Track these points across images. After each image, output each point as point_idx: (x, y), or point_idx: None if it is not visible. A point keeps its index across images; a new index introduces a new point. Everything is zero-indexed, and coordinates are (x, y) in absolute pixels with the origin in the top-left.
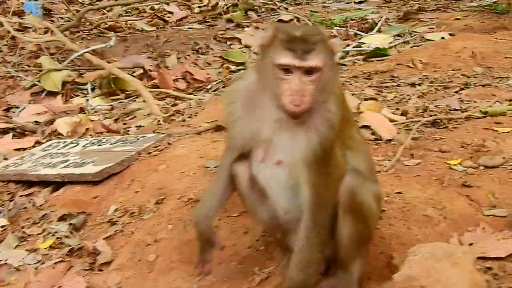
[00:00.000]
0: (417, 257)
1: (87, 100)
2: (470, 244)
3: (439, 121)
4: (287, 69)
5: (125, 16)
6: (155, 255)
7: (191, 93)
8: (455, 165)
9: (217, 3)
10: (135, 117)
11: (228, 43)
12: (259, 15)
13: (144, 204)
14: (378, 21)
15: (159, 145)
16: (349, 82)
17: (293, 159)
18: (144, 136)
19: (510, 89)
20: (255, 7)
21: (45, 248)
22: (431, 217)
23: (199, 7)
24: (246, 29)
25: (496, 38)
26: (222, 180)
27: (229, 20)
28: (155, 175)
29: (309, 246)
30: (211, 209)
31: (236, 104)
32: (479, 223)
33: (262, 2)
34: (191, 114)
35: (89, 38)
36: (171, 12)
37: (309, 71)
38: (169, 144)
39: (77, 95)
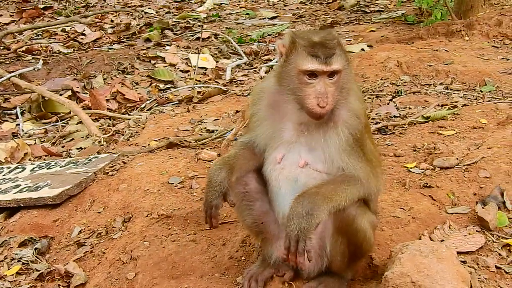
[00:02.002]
0: (405, 254)
1: (18, 124)
2: (441, 241)
3: (385, 127)
4: (312, 74)
5: (36, 38)
6: (134, 273)
7: (124, 113)
8: (412, 168)
9: (130, 23)
10: (73, 139)
11: (152, 62)
12: (175, 34)
13: (111, 224)
14: None
15: (114, 165)
16: None
17: (329, 155)
18: (96, 157)
19: (439, 95)
20: (171, 26)
21: (12, 275)
22: (400, 218)
23: (111, 27)
24: (167, 48)
25: (417, 48)
26: (238, 147)
27: (147, 40)
28: (116, 194)
29: (335, 184)
30: (229, 163)
31: (260, 105)
32: (445, 221)
33: (176, 21)
34: (132, 134)
35: (7, 62)
36: (83, 34)
37: (331, 74)
38: (124, 163)
39: (6, 120)
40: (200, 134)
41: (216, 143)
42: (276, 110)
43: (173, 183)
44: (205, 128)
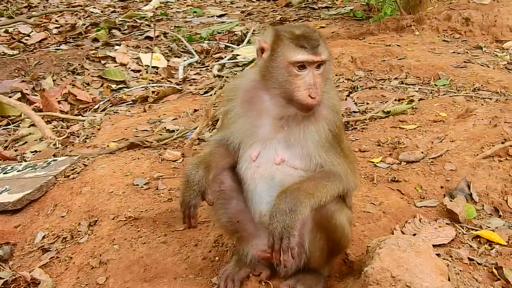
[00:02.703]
0: (384, 249)
1: None
2: (414, 235)
3: (346, 123)
4: (301, 66)
5: None
6: (105, 277)
7: (77, 115)
8: (378, 162)
9: (75, 23)
10: (26, 142)
11: (102, 62)
12: (123, 33)
13: (75, 228)
14: (246, 33)
15: (75, 168)
16: None
17: (307, 151)
18: (55, 160)
19: (395, 90)
20: (118, 26)
21: None
22: (371, 213)
23: (56, 28)
24: (117, 47)
25: (370, 43)
26: (212, 145)
27: (95, 39)
28: (80, 198)
29: (316, 180)
30: (206, 161)
31: (235, 102)
32: (415, 215)
33: (122, 20)
34: (87, 135)
35: None
36: (28, 35)
37: (318, 65)
38: (85, 165)
39: None
40: (160, 134)
41: (178, 143)
42: (252, 107)
43: (138, 185)
44: (165, 128)
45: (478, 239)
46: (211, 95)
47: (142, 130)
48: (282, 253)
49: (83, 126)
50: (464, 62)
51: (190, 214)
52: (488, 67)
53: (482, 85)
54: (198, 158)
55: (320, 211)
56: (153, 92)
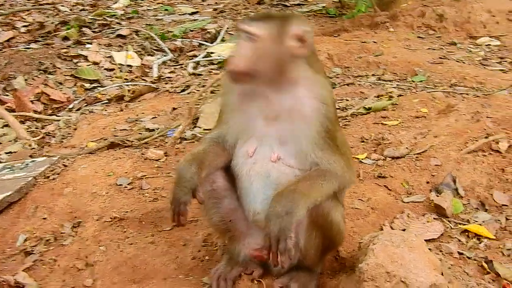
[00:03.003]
0: (377, 245)
1: None
2: (403, 230)
3: None
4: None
5: None
6: (92, 279)
7: (52, 114)
8: (363, 159)
9: (44, 22)
10: (0, 143)
11: (75, 61)
12: (94, 31)
13: (58, 230)
14: (219, 31)
15: (55, 168)
16: (215, 91)
17: (301, 149)
18: (33, 161)
19: (374, 86)
20: (88, 24)
21: None
22: (360, 209)
23: (24, 26)
24: (88, 46)
25: (346, 40)
26: (207, 143)
27: (66, 38)
28: (61, 199)
29: (311, 180)
30: (199, 159)
31: (232, 94)
32: (403, 210)
33: (92, 18)
34: (64, 135)
35: None
36: None
37: (252, 38)
38: (65, 166)
39: None
40: (140, 133)
41: (160, 142)
42: (248, 100)
43: (121, 185)
44: (144, 127)
45: (467, 234)
46: (188, 93)
47: (121, 130)
48: (279, 255)
49: (59, 126)
50: (440, 58)
51: (180, 211)
52: (464, 63)
53: (459, 81)
54: (191, 154)
55: (316, 209)
56: (128, 91)
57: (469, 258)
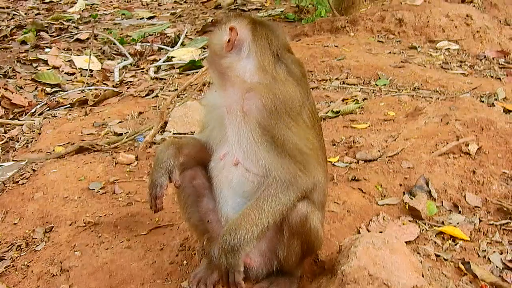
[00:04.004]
0: (359, 247)
1: None
2: (380, 233)
3: None
4: None
5: None
6: (68, 285)
7: (13, 119)
8: (336, 162)
9: None
10: None
11: (34, 65)
12: (51, 35)
13: (30, 235)
14: (179, 35)
15: (24, 173)
16: (180, 96)
17: (250, 152)
18: (1, 166)
19: (338, 90)
20: (45, 28)
21: None
22: (336, 212)
23: None
24: (47, 50)
25: (308, 44)
26: (189, 137)
27: (23, 42)
28: (32, 204)
29: (259, 208)
30: (178, 143)
31: (212, 101)
32: (378, 213)
33: (49, 22)
34: (28, 140)
35: None
36: None
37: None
38: (34, 170)
39: None
40: (108, 138)
41: (129, 146)
42: (220, 103)
43: (94, 189)
44: (112, 131)
45: (442, 235)
46: (153, 97)
47: (87, 134)
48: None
49: (22, 131)
50: (401, 62)
51: (156, 194)
52: (425, 66)
53: (421, 84)
54: (170, 140)
55: (294, 218)
56: (92, 95)
57: (445, 259)
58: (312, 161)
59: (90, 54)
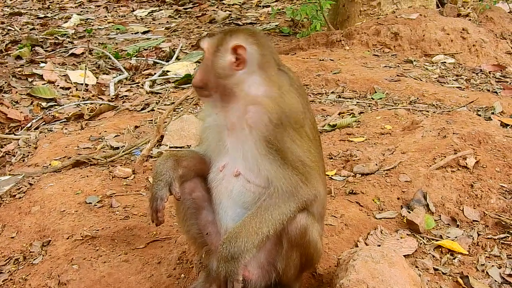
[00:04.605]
0: (358, 261)
1: None
2: (378, 246)
3: None
4: None
5: None
6: None
7: (9, 133)
8: (333, 175)
9: None
10: None
11: (29, 80)
12: (46, 50)
13: (27, 249)
14: (174, 50)
15: (21, 187)
16: (177, 109)
17: (252, 163)
18: None
19: (334, 104)
20: (40, 43)
21: None
22: (333, 226)
23: None
24: (42, 65)
25: (303, 58)
26: (187, 150)
27: (18, 57)
28: (29, 217)
29: (259, 216)
30: (177, 155)
31: (207, 113)
32: (376, 226)
33: (44, 37)
34: (24, 154)
35: None
36: None
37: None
38: (31, 184)
39: None
40: (104, 152)
41: (126, 160)
42: (219, 116)
43: (91, 203)
44: (108, 145)
45: (440, 249)
46: (148, 111)
47: (84, 148)
48: None
49: (18, 145)
50: (397, 75)
51: (157, 207)
52: (421, 80)
53: (418, 98)
54: (169, 152)
55: (294, 230)
56: (88, 109)
57: (444, 273)
58: (313, 173)
59: (86, 69)
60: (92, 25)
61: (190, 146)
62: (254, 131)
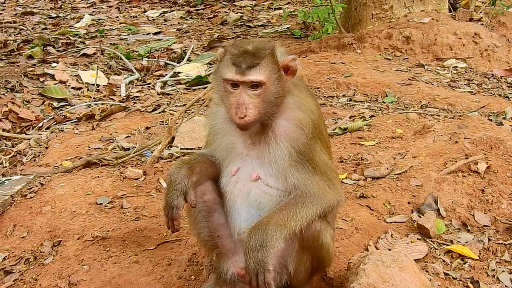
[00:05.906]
0: (368, 265)
1: None
2: (389, 250)
3: None
4: (234, 84)
5: None
6: None
7: (20, 133)
8: (344, 179)
9: (6, 40)
10: None
11: (41, 79)
12: (58, 50)
13: (38, 249)
14: (185, 51)
15: (32, 187)
16: (188, 111)
17: (277, 170)
18: (9, 179)
19: (345, 107)
20: (51, 43)
21: None
22: (344, 229)
23: None
24: (54, 64)
25: (315, 61)
26: (196, 154)
27: (30, 57)
28: (40, 217)
29: (288, 210)
30: (190, 162)
31: (217, 118)
32: (387, 230)
33: (55, 37)
34: (35, 154)
35: None
36: None
37: (254, 85)
38: (42, 184)
39: None
40: (115, 152)
41: (137, 161)
42: (231, 123)
43: (102, 203)
44: (119, 145)
45: (450, 254)
46: (159, 112)
47: (95, 148)
48: None
49: (30, 145)
50: (409, 79)
51: (173, 216)
52: (433, 84)
53: (429, 102)
54: (182, 160)
55: (307, 232)
56: (99, 109)
57: (454, 278)
58: (337, 178)
59: (97, 69)
60: (104, 26)
61: (201, 147)
62: (285, 143)
